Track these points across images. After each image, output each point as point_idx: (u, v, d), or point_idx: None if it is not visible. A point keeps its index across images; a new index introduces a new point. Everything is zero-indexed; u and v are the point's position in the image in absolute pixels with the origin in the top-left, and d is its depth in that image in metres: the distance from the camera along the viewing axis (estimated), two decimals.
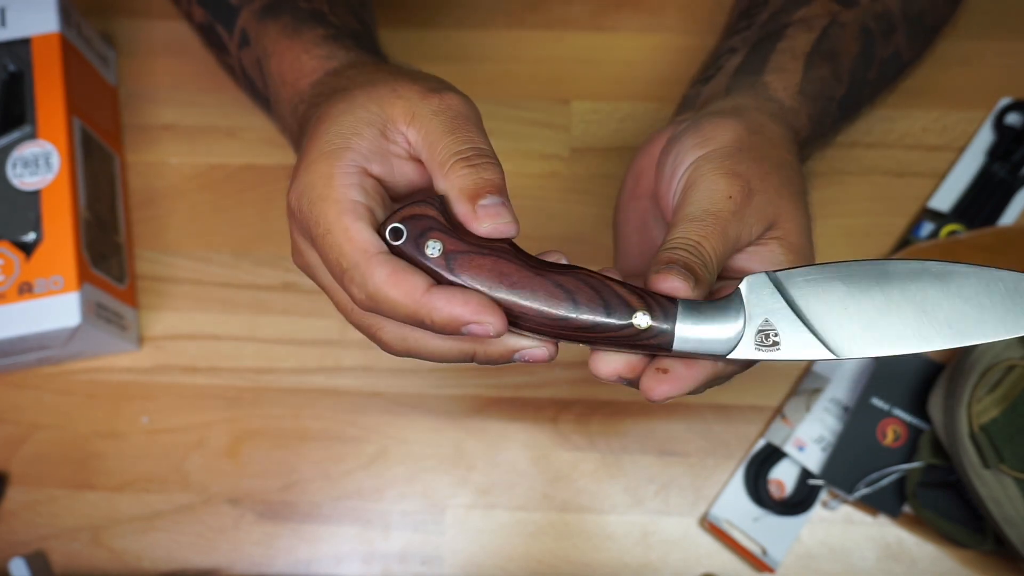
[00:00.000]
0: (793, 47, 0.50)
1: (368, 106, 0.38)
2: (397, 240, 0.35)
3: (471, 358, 0.37)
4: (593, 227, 0.66)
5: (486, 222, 0.35)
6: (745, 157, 0.40)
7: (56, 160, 0.60)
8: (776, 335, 0.35)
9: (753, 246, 0.40)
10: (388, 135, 0.38)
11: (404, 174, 0.38)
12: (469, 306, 0.34)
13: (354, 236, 0.35)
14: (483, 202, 0.35)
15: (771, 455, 0.61)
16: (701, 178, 0.40)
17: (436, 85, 0.39)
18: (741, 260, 0.40)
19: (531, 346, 0.36)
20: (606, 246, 0.65)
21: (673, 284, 0.35)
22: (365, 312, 0.37)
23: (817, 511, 0.61)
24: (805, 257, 0.41)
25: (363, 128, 0.37)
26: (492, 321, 0.34)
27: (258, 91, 0.53)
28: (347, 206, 0.35)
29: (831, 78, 0.50)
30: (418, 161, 0.38)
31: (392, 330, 0.37)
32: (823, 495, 0.61)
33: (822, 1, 0.52)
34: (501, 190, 0.36)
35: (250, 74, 0.53)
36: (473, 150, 0.36)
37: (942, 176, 0.66)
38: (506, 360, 0.36)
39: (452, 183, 0.36)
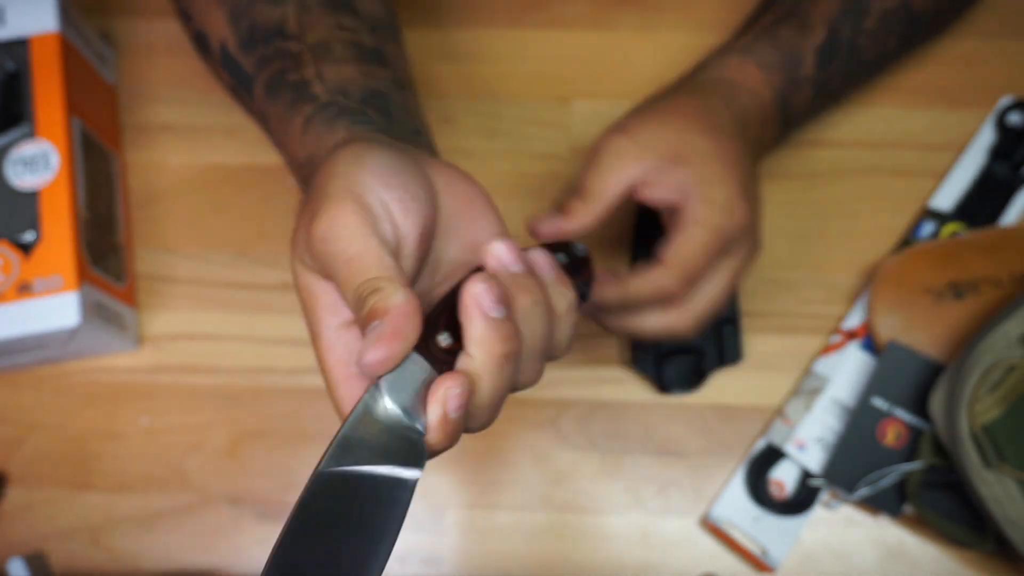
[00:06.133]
0: (763, 23, 0.57)
1: (300, 274, 0.38)
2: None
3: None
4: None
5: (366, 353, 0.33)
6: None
7: (55, 159, 0.60)
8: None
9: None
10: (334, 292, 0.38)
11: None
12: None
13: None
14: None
15: (771, 455, 0.61)
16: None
17: (312, 212, 0.37)
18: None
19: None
20: (606, 246, 0.65)
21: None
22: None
23: (818, 511, 0.61)
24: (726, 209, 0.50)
25: (313, 296, 0.38)
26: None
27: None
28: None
29: (795, 31, 0.56)
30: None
31: None
32: (824, 495, 0.61)
33: None
34: (374, 316, 0.33)
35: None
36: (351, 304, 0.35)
37: (943, 176, 0.66)
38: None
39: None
